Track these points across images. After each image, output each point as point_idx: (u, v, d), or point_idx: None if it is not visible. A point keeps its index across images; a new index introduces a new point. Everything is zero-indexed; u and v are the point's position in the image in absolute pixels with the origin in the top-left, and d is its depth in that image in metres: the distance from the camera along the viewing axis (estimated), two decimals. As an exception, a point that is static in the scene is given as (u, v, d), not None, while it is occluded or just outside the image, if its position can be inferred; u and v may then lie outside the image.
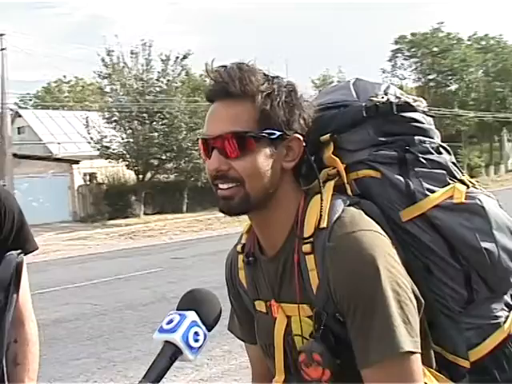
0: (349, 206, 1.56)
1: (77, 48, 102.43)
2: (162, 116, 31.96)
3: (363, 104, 1.67)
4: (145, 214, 32.52)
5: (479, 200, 1.62)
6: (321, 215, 1.54)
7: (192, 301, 1.46)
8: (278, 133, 1.54)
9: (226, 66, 1.57)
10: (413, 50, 51.62)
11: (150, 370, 1.33)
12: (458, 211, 1.60)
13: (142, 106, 31.80)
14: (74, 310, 10.73)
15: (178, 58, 33.36)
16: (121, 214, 31.79)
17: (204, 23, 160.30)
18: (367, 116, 1.65)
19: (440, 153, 1.67)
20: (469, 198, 1.62)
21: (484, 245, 1.58)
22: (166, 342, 1.36)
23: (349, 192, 1.63)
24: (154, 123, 31.92)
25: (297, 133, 1.57)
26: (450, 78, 52.25)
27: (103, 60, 31.88)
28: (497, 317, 1.65)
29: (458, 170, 1.69)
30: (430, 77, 51.62)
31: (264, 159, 1.54)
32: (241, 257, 1.76)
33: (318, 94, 1.86)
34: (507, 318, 1.67)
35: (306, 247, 1.54)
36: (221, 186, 1.55)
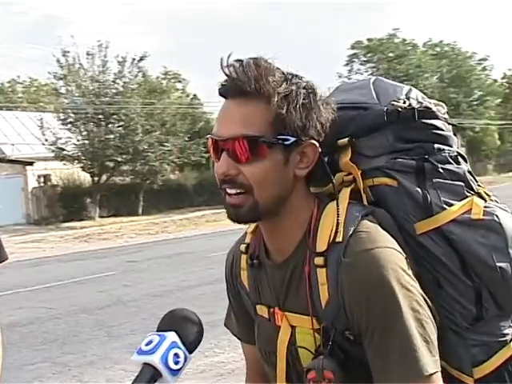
0: (364, 216, 1.49)
1: (32, 48, 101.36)
2: (118, 118, 31.70)
3: (384, 108, 1.59)
4: (100, 216, 32.20)
5: (497, 216, 1.56)
6: (337, 228, 1.47)
7: (172, 321, 1.39)
8: (292, 139, 1.45)
9: (241, 61, 1.46)
10: (369, 55, 52.16)
11: None
12: (475, 227, 1.54)
13: (98, 107, 31.54)
14: (27, 314, 10.56)
15: (134, 59, 33.21)
16: (75, 217, 31.43)
17: (160, 24, 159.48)
18: (388, 121, 1.57)
19: (458, 162, 1.60)
20: (486, 213, 1.56)
21: (499, 264, 1.53)
22: (145, 364, 1.29)
23: (364, 201, 1.57)
24: (110, 125, 31.67)
25: (313, 138, 1.48)
26: (405, 83, 52.21)
27: (58, 61, 31.58)
28: (504, 335, 1.61)
29: (474, 181, 1.62)
30: (386, 82, 51.99)
31: (276, 166, 1.45)
32: (244, 257, 1.70)
33: (332, 90, 1.76)
34: None
35: (319, 260, 1.48)
36: (229, 190, 1.47)
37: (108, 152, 30.97)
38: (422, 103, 1.62)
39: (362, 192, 1.57)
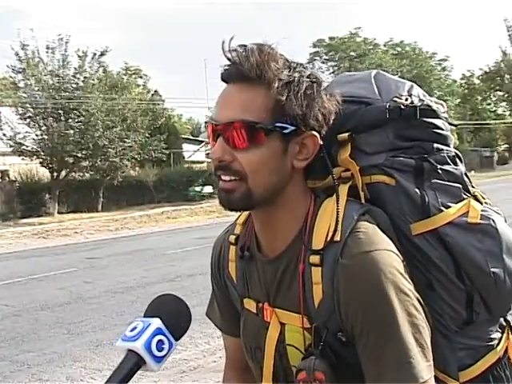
0: (362, 214, 1.46)
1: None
2: (78, 113, 31.28)
3: (387, 105, 1.55)
4: (59, 212, 31.78)
5: (493, 221, 1.54)
6: (335, 227, 1.43)
7: (158, 307, 1.37)
8: (291, 127, 1.41)
9: (245, 46, 1.43)
10: (331, 53, 52.48)
11: (108, 381, 1.25)
12: (472, 231, 1.51)
13: (58, 102, 31.09)
14: (-15, 312, 10.39)
15: (95, 54, 32.87)
16: (34, 213, 30.94)
17: (121, 20, 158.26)
18: (389, 118, 1.53)
19: (456, 163, 1.58)
20: (483, 217, 1.53)
21: (493, 269, 1.51)
22: (129, 350, 1.27)
23: (362, 198, 1.53)
24: (70, 120, 31.24)
25: (313, 129, 1.44)
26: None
27: (17, 54, 31.05)
28: (491, 339, 1.61)
29: (470, 183, 1.60)
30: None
31: (273, 155, 1.41)
32: (233, 248, 1.66)
33: (331, 81, 1.70)
34: (500, 339, 1.64)
35: (315, 258, 1.44)
36: (223, 177, 1.43)
37: (68, 147, 30.58)
38: (423, 101, 1.59)
39: (360, 189, 1.54)
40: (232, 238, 1.67)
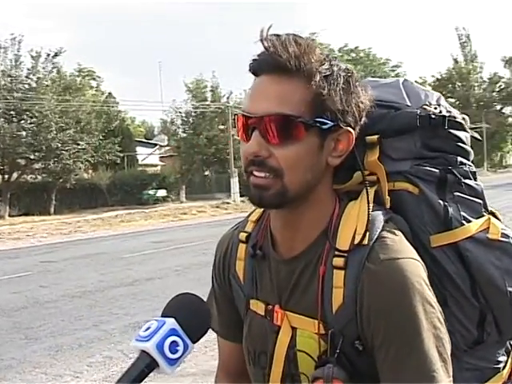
0: (386, 221, 1.41)
1: None
2: (30, 114, 30.94)
3: (418, 111, 1.50)
4: (10, 215, 31.32)
5: None
6: (365, 230, 1.37)
7: (175, 307, 1.29)
8: (330, 123, 1.34)
9: (280, 36, 1.35)
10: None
11: (119, 381, 1.18)
12: (491, 248, 1.48)
13: (10, 103, 30.64)
14: None
15: (49, 55, 32.52)
16: (-16, 216, 30.44)
17: (72, 20, 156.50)
18: (419, 125, 1.49)
19: (476, 179, 1.54)
20: (503, 235, 1.50)
21: (510, 288, 1.48)
22: (142, 351, 1.20)
23: (387, 204, 1.47)
24: (23, 122, 30.85)
25: (349, 126, 1.38)
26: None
27: (-33, 54, 30.51)
28: (498, 362, 1.58)
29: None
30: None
31: (310, 151, 1.34)
32: (243, 246, 1.57)
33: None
34: (506, 363, 1.60)
35: (339, 261, 1.37)
36: (256, 173, 1.35)
37: (20, 149, 30.21)
38: (450, 112, 1.55)
39: (385, 195, 1.49)
40: (242, 236, 1.59)
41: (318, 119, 1.34)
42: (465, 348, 1.50)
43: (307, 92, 1.33)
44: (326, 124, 1.34)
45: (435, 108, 1.53)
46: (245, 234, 1.59)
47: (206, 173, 45.56)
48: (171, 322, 1.23)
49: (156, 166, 48.26)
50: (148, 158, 48.89)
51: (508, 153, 68.71)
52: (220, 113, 40.33)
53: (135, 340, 1.22)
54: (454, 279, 1.47)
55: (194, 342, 1.25)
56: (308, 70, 1.33)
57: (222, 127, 39.99)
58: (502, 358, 1.59)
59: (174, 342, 1.21)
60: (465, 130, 1.55)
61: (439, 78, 62.55)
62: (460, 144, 1.53)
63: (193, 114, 41.18)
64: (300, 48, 1.34)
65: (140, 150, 48.36)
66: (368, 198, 1.41)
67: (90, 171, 38.69)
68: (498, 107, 66.86)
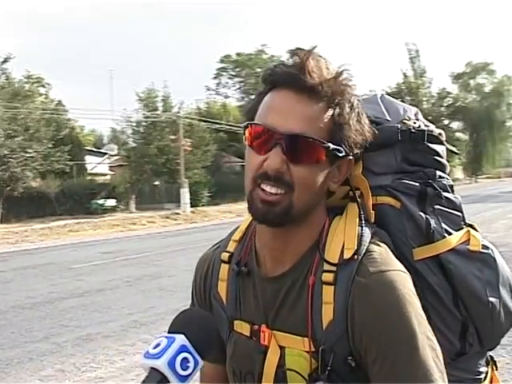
0: (372, 235, 1.43)
1: None
2: (-23, 121, 30.29)
3: (398, 125, 1.54)
4: (-46, 223, 30.60)
5: (492, 251, 1.55)
6: (351, 245, 1.39)
7: (183, 322, 1.29)
8: (344, 152, 1.39)
9: (311, 54, 1.36)
10: (237, 69, 52.72)
11: None
12: (472, 259, 1.51)
13: (-43, 109, 30.02)
14: None
15: (-2, 60, 31.94)
16: None
17: (19, 26, 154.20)
18: (400, 140, 1.53)
19: (453, 192, 1.58)
20: (483, 247, 1.54)
21: (491, 298, 1.51)
22: (152, 368, 1.19)
23: (372, 219, 1.50)
24: (-31, 128, 30.18)
25: (353, 155, 1.43)
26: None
27: None
28: (480, 372, 1.61)
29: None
30: (253, 97, 52.69)
31: (322, 174, 1.38)
32: (225, 267, 1.57)
33: None
34: (486, 374, 1.63)
35: (327, 276, 1.38)
36: (268, 188, 1.36)
37: (-34, 156, 29.55)
38: (428, 126, 1.59)
39: (369, 209, 1.51)
40: (225, 256, 1.58)
41: (337, 146, 1.37)
42: (448, 360, 1.47)
43: (331, 119, 1.36)
44: (341, 152, 1.38)
45: (414, 122, 1.57)
46: (227, 254, 1.58)
47: (156, 183, 45.23)
48: (181, 339, 1.22)
49: (105, 175, 47.74)
50: (97, 167, 48.33)
51: (455, 167, 69.79)
52: (171, 123, 40.10)
53: (144, 357, 1.21)
54: (437, 291, 1.50)
55: (202, 358, 1.24)
56: (336, 98, 1.36)
57: (172, 137, 39.77)
58: (483, 369, 1.63)
59: (184, 358, 1.21)
60: (442, 144, 1.59)
61: (389, 92, 63.46)
62: (437, 158, 1.57)
63: (144, 123, 40.87)
64: (331, 73, 1.37)
65: (89, 158, 47.81)
66: (360, 211, 1.45)
67: (39, 179, 38.03)
68: (446, 122, 68.01)
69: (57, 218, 33.96)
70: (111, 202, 38.03)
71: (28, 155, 32.22)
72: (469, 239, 1.55)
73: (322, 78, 1.35)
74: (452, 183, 1.60)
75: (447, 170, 1.60)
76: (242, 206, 40.50)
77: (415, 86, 65.61)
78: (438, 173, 1.56)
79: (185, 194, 36.90)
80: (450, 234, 1.52)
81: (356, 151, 1.43)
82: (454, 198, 1.57)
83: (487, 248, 1.56)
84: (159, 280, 13.10)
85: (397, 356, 1.30)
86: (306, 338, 1.40)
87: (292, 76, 1.35)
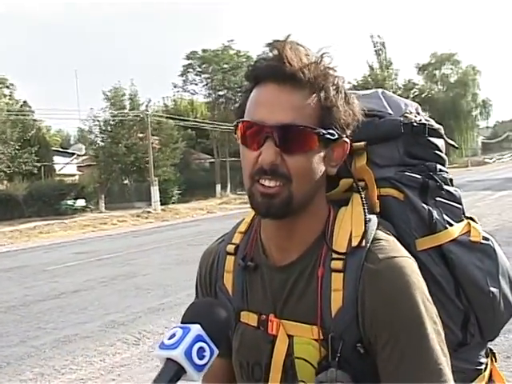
0: (378, 224, 1.45)
1: None
2: None
3: (401, 119, 1.58)
4: None
5: (492, 242, 1.60)
6: (359, 233, 1.41)
7: (197, 312, 1.29)
8: (337, 134, 1.39)
9: (288, 44, 1.37)
10: (204, 66, 52.47)
11: None
12: (473, 250, 1.56)
13: None
14: None
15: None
16: None
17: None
18: (403, 132, 1.56)
19: (453, 185, 1.62)
20: (484, 238, 1.59)
21: (491, 288, 1.56)
22: (168, 359, 1.19)
23: (376, 209, 1.53)
24: None
25: (347, 136, 1.43)
26: (239, 94, 53.63)
27: None
28: (480, 363, 1.64)
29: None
30: (221, 93, 52.57)
31: (318, 161, 1.38)
32: (231, 258, 1.58)
33: None
34: (486, 364, 1.67)
35: (337, 264, 1.39)
36: (266, 182, 1.36)
37: None
38: (428, 120, 1.62)
39: (374, 200, 1.54)
40: (231, 248, 1.59)
41: (328, 130, 1.38)
42: (450, 350, 1.49)
43: (318, 103, 1.37)
44: (334, 135, 1.39)
45: (415, 116, 1.61)
46: (233, 246, 1.59)
47: (125, 182, 45.01)
48: (197, 328, 1.22)
49: (74, 175, 47.33)
50: (66, 167, 47.93)
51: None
52: (139, 121, 39.91)
53: (159, 348, 1.21)
54: (439, 281, 1.53)
55: (217, 347, 1.24)
56: (319, 83, 1.37)
57: (141, 135, 39.59)
58: (483, 360, 1.66)
59: (201, 348, 1.21)
60: (441, 138, 1.63)
61: (355, 84, 63.77)
62: (437, 152, 1.61)
63: (111, 122, 40.60)
64: (310, 59, 1.38)
65: (57, 159, 47.37)
66: (362, 201, 1.47)
67: (6, 182, 37.62)
68: (412, 113, 68.45)
69: (26, 220, 33.58)
70: (81, 203, 37.71)
71: (-6, 157, 31.88)
72: (469, 230, 1.59)
73: (302, 65, 1.35)
74: (451, 177, 1.63)
75: (446, 164, 1.64)
76: (212, 202, 40.64)
77: (381, 78, 66.02)
78: (439, 166, 1.60)
79: (155, 192, 36.78)
80: (451, 225, 1.56)
81: (349, 132, 1.43)
82: (454, 191, 1.61)
83: (487, 239, 1.60)
84: (134, 279, 13.04)
85: (407, 340, 1.33)
86: (314, 326, 1.41)
87: (272, 68, 1.37)
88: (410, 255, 1.42)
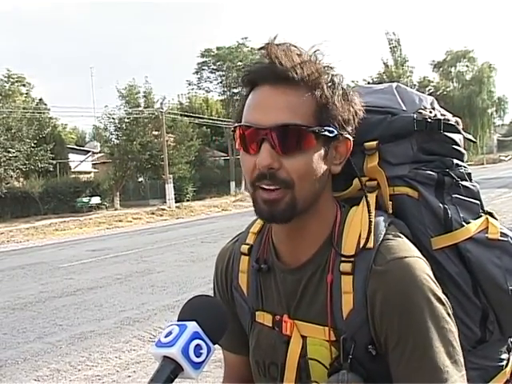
0: (389, 225, 1.43)
1: None
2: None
3: (414, 116, 1.53)
4: None
5: (510, 238, 1.55)
6: (368, 234, 1.38)
7: (193, 309, 1.29)
8: (336, 131, 1.36)
9: (280, 45, 1.36)
10: (218, 63, 52.48)
11: None
12: (491, 247, 1.52)
13: None
14: None
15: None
16: None
17: (3, 25, 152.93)
18: (416, 130, 1.52)
19: (471, 180, 1.58)
20: (502, 234, 1.54)
21: (511, 286, 1.51)
22: (165, 357, 1.18)
23: (389, 209, 1.51)
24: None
25: (348, 133, 1.41)
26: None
27: None
28: (501, 359, 1.62)
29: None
30: (235, 90, 52.55)
31: (319, 160, 1.36)
32: (245, 259, 1.58)
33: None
34: (508, 360, 1.64)
35: (346, 266, 1.38)
36: (267, 187, 1.34)
37: None
38: (444, 115, 1.58)
39: (387, 199, 1.52)
40: (244, 248, 1.59)
41: (326, 128, 1.36)
42: (468, 348, 1.51)
43: (313, 102, 1.35)
44: (332, 132, 1.36)
45: (430, 112, 1.56)
46: (247, 247, 1.59)
47: (140, 179, 45.14)
48: (194, 325, 1.22)
49: (89, 173, 47.57)
50: (81, 165, 48.12)
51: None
52: (153, 118, 39.96)
53: (156, 346, 1.20)
54: (456, 280, 1.51)
55: (214, 344, 1.25)
56: (313, 80, 1.35)
57: (155, 133, 39.66)
58: (504, 356, 1.63)
59: (198, 345, 1.21)
60: (459, 132, 1.59)
61: (370, 81, 63.59)
62: (455, 146, 1.57)
63: (126, 120, 40.69)
64: (303, 58, 1.36)
65: (72, 157, 47.55)
66: (367, 203, 1.44)
67: (22, 179, 37.82)
68: (428, 111, 68.15)
69: (42, 217, 33.80)
70: (96, 200, 37.88)
71: (10, 155, 32.09)
72: (487, 227, 1.55)
73: (294, 64, 1.34)
74: (470, 171, 1.59)
75: (464, 158, 1.60)
76: (227, 200, 40.63)
77: (396, 75, 65.64)
78: (456, 161, 1.56)
79: (170, 190, 36.83)
80: (468, 222, 1.53)
81: (349, 128, 1.41)
82: (471, 186, 1.57)
83: (506, 235, 1.55)
84: (150, 276, 13.08)
85: (416, 341, 1.31)
86: (327, 328, 1.41)
87: (265, 70, 1.36)
88: (420, 255, 1.39)
